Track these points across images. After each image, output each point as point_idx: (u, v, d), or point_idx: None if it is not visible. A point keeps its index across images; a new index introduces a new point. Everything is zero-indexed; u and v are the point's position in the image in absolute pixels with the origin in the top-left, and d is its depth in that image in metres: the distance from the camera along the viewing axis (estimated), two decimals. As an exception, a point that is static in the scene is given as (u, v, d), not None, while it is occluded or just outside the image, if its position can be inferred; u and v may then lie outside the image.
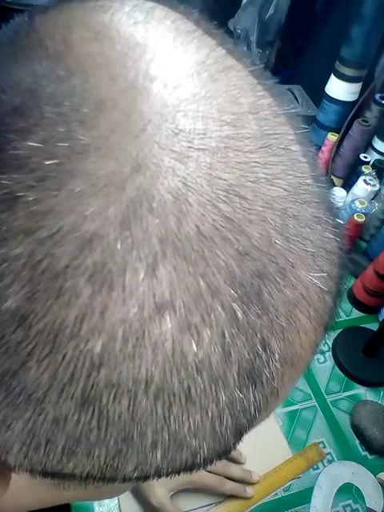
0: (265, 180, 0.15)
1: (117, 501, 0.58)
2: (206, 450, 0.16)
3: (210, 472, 0.59)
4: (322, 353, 0.78)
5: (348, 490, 0.63)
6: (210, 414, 0.15)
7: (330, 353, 0.78)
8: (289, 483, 0.63)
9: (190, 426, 0.15)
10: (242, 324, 0.14)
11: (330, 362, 0.77)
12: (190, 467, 0.17)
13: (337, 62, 0.97)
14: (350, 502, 0.62)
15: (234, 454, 0.63)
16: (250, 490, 0.60)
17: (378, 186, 0.89)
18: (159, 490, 0.56)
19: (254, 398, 0.16)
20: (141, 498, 0.58)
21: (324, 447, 0.67)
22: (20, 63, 0.15)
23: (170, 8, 0.17)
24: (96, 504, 0.58)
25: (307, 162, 0.17)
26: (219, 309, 0.14)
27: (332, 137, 1.00)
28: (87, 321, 0.13)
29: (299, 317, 0.16)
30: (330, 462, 0.66)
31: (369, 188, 0.88)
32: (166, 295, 0.13)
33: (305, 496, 0.62)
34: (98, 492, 0.23)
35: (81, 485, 0.18)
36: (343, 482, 0.64)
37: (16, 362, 0.13)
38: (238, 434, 0.17)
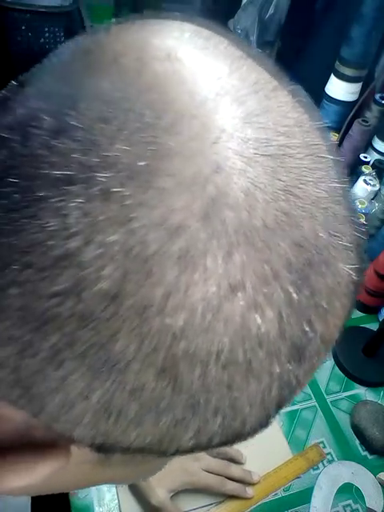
0: (312, 183, 0.17)
1: (117, 501, 0.58)
2: (254, 419, 0.18)
3: (210, 472, 0.59)
4: (322, 353, 0.78)
5: (348, 490, 0.63)
6: (262, 385, 0.17)
7: (330, 353, 0.78)
8: (289, 483, 0.63)
9: (247, 395, 0.17)
10: (295, 304, 0.17)
11: (330, 361, 0.77)
12: (237, 437, 0.19)
13: (337, 62, 0.97)
14: (350, 502, 0.62)
15: (234, 454, 0.63)
16: (250, 491, 0.61)
17: (378, 185, 0.89)
18: (160, 490, 0.56)
19: (298, 372, 0.18)
20: (141, 498, 0.58)
21: (324, 447, 0.67)
22: (97, 77, 0.17)
23: (221, 35, 0.20)
24: (96, 504, 0.58)
25: (336, 170, 0.19)
26: (279, 290, 0.16)
27: (332, 137, 1.00)
28: (172, 298, 0.15)
29: (335, 302, 0.18)
30: (330, 462, 0.66)
31: (369, 188, 0.88)
32: (239, 277, 0.15)
33: (305, 496, 0.62)
34: (137, 470, 0.25)
35: (127, 461, 0.20)
36: (343, 482, 0.64)
37: (104, 336, 0.15)
38: (278, 407, 0.19)
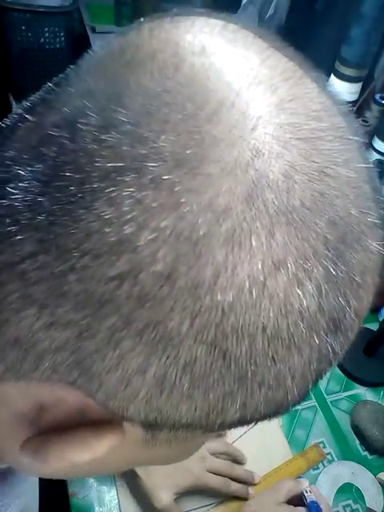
0: (342, 164, 0.18)
1: (117, 501, 0.58)
2: (295, 391, 0.19)
3: (214, 473, 0.59)
4: (322, 353, 0.78)
5: (348, 490, 0.63)
6: (304, 357, 0.18)
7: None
8: (289, 483, 0.63)
9: (289, 367, 0.18)
10: (332, 279, 0.17)
11: (330, 362, 0.77)
12: (278, 409, 0.20)
13: (337, 62, 0.97)
14: (350, 502, 0.62)
15: (237, 454, 0.63)
16: (251, 491, 0.60)
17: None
18: (164, 493, 0.55)
19: (335, 345, 0.19)
20: (143, 501, 0.57)
21: (324, 447, 0.67)
22: (136, 74, 0.18)
23: (245, 28, 0.21)
24: (96, 504, 0.58)
25: (360, 151, 0.20)
26: (318, 266, 0.17)
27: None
28: (221, 277, 0.16)
29: (367, 277, 0.19)
30: (330, 462, 0.66)
31: (369, 188, 0.88)
32: (281, 255, 0.16)
33: (305, 496, 0.62)
34: (179, 450, 0.26)
35: (171, 440, 0.21)
36: (343, 482, 0.64)
37: (160, 314, 0.16)
38: (316, 380, 0.20)
